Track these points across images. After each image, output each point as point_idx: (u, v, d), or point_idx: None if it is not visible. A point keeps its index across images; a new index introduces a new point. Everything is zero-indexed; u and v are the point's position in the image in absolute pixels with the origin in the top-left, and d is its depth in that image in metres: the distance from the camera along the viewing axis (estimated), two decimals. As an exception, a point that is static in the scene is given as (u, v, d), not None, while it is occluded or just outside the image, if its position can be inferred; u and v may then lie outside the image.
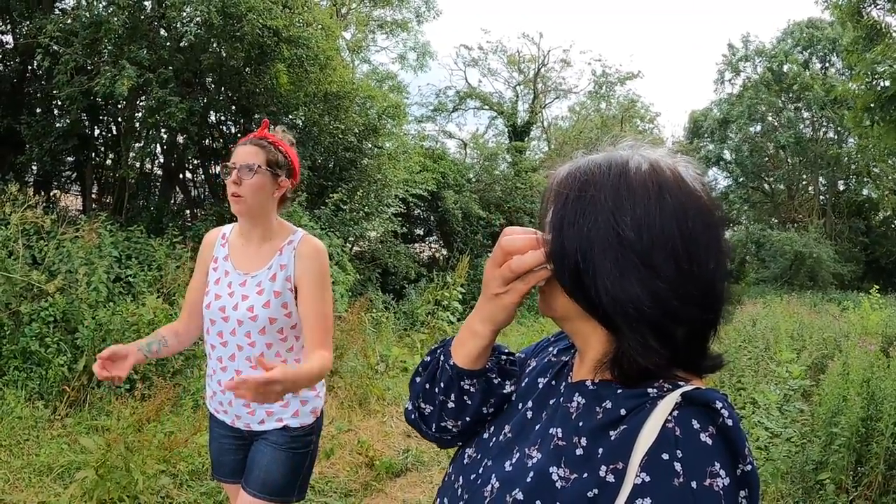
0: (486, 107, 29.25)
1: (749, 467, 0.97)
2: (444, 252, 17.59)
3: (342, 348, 8.01)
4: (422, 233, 18.59)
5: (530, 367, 1.39)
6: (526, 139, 26.37)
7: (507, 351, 1.35)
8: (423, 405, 1.34)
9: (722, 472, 0.94)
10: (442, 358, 1.29)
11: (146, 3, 9.16)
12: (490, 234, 17.38)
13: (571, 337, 1.22)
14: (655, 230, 1.04)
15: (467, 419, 1.29)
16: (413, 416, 1.38)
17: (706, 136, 38.38)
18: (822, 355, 9.46)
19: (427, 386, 1.32)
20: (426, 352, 1.41)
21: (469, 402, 1.27)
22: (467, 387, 1.26)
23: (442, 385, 1.28)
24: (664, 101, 76.20)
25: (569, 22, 63.76)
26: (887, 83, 6.36)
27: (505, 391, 1.31)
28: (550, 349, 1.41)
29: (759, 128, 36.19)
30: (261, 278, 2.63)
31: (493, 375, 1.29)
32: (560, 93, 29.72)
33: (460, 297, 11.81)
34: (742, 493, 0.95)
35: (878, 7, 6.78)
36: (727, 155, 37.47)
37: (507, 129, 27.60)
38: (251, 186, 2.56)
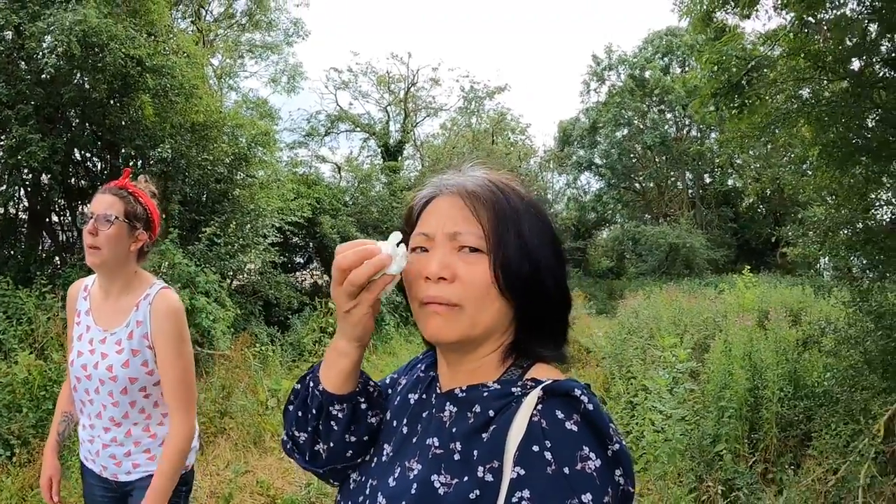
0: (358, 129, 29.39)
1: (618, 446, 1.04)
2: (326, 278, 17.47)
3: (229, 388, 7.82)
4: (302, 261, 18.65)
5: (401, 386, 1.45)
6: (399, 158, 26.73)
7: (372, 382, 1.36)
8: (297, 433, 1.34)
9: (592, 455, 1.01)
10: (311, 384, 1.30)
11: (5, 33, 8.74)
12: (369, 255, 17.42)
13: (460, 348, 1.23)
14: (554, 232, 1.24)
15: (331, 444, 1.30)
16: (289, 446, 1.38)
17: (576, 143, 40.00)
18: (704, 336, 10.02)
19: (300, 413, 1.33)
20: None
21: (335, 428, 1.29)
22: (335, 412, 1.27)
23: (314, 411, 1.29)
24: (533, 113, 78.11)
25: (437, 37, 65.11)
26: (734, 70, 6.70)
27: (370, 420, 1.32)
28: (419, 366, 1.47)
29: (625, 131, 38.06)
30: (120, 336, 2.57)
31: (362, 400, 1.30)
32: (431, 111, 30.25)
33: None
34: (618, 472, 1.02)
35: (727, 12, 7.14)
36: (597, 159, 39.25)
37: (380, 150, 27.86)
38: (108, 238, 2.51)
